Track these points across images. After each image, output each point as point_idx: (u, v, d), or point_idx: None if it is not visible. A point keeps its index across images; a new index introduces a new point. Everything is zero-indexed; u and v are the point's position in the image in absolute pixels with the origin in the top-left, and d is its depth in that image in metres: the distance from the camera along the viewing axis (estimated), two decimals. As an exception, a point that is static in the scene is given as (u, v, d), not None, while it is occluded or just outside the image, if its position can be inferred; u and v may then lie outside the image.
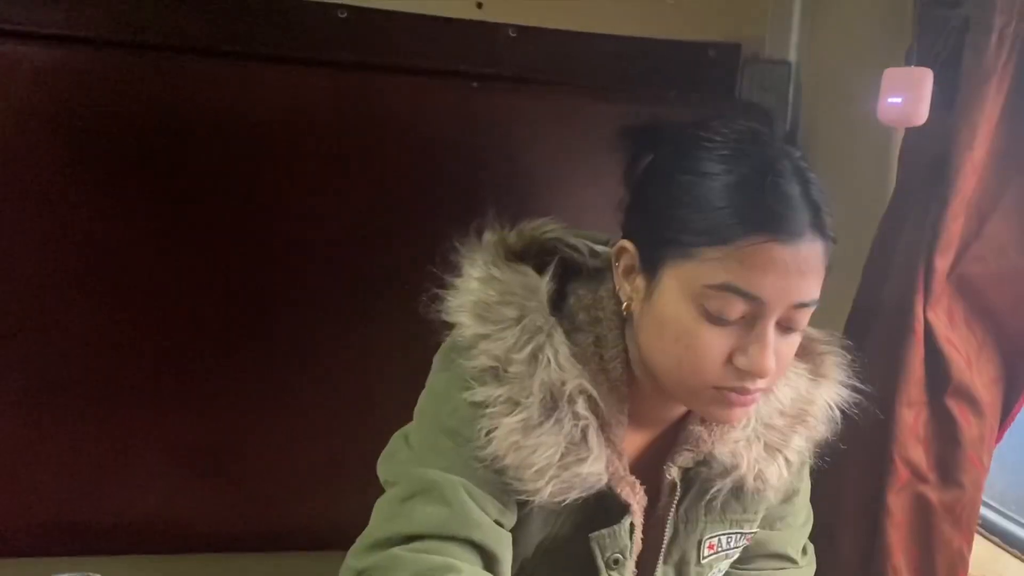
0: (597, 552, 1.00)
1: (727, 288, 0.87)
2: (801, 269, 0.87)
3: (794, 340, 0.93)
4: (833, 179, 1.50)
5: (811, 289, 0.89)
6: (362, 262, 1.63)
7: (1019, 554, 1.42)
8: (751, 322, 0.89)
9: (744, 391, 0.91)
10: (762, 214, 0.86)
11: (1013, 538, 1.45)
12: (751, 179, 0.87)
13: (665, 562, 1.07)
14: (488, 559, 0.93)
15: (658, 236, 0.92)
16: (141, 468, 1.64)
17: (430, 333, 1.03)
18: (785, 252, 0.86)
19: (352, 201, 1.63)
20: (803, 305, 0.89)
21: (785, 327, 0.91)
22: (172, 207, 1.58)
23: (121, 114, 1.52)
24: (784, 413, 1.05)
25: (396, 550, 0.90)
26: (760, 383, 0.91)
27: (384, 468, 1.01)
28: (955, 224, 1.26)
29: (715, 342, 0.89)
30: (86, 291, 1.57)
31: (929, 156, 1.28)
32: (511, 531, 0.99)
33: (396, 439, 1.03)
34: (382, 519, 0.95)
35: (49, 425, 1.61)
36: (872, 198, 1.46)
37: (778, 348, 0.90)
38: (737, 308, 0.88)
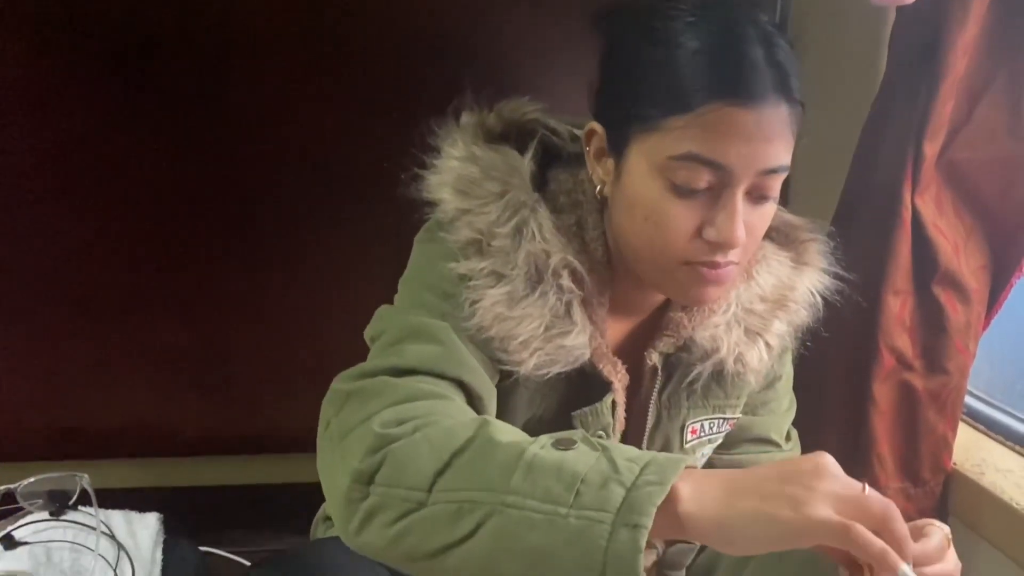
0: (579, 429, 1.00)
1: (691, 157, 0.85)
2: (766, 134, 0.85)
3: (767, 210, 0.92)
4: (823, 64, 1.48)
5: (778, 155, 0.87)
6: (342, 161, 1.61)
7: (1003, 440, 1.43)
8: (718, 193, 0.87)
9: (715, 264, 0.90)
10: (722, 78, 0.84)
11: (998, 425, 1.45)
12: (713, 44, 0.85)
13: (649, 447, 1.08)
14: (476, 402, 0.92)
15: (623, 113, 0.91)
16: (127, 374, 1.65)
17: (414, 231, 1.02)
18: (748, 116, 0.84)
19: (330, 100, 1.59)
20: (771, 171, 0.87)
21: (756, 196, 0.89)
22: (149, 114, 1.55)
23: (94, 16, 1.48)
24: (765, 299, 1.04)
25: (387, 377, 0.87)
26: (732, 255, 0.90)
27: (371, 328, 0.99)
28: (945, 108, 1.24)
29: (683, 216, 0.88)
30: (69, 201, 1.56)
31: (920, 37, 1.25)
32: (498, 409, 0.98)
33: (382, 307, 1.02)
34: (372, 358, 0.93)
35: (34, 333, 1.61)
36: (862, 83, 1.44)
37: (750, 219, 0.89)
38: (703, 178, 0.86)
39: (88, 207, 1.57)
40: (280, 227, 1.63)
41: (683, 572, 1.19)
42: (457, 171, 0.96)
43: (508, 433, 0.78)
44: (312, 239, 1.63)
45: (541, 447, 0.74)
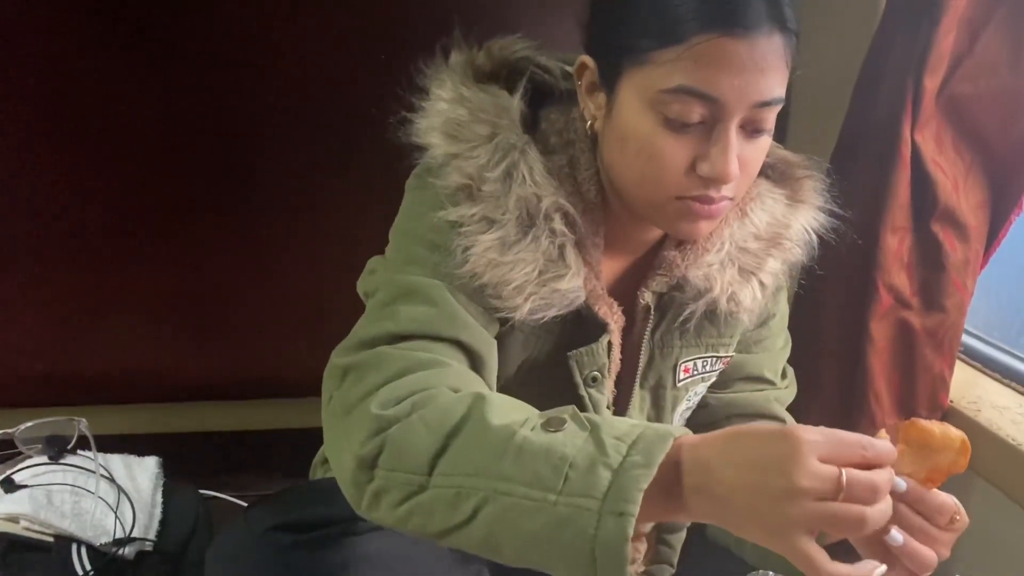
0: (576, 370, 1.00)
1: (683, 90, 0.83)
2: (759, 65, 0.83)
3: (762, 144, 0.90)
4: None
5: (772, 87, 0.85)
6: (334, 105, 1.59)
7: (1000, 378, 1.43)
8: (711, 126, 0.86)
9: (708, 199, 0.89)
10: (714, 8, 0.82)
11: (995, 363, 1.45)
12: None
13: (642, 386, 1.08)
14: (475, 360, 0.92)
15: (614, 46, 0.89)
16: (124, 321, 1.65)
17: (408, 174, 1.01)
18: (740, 47, 0.82)
19: (321, 40, 1.58)
20: (765, 104, 0.85)
21: (750, 130, 0.88)
22: (143, 60, 1.54)
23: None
24: (759, 237, 1.03)
25: (383, 347, 0.88)
26: (725, 190, 0.89)
27: (364, 282, 1.00)
28: (946, 40, 1.21)
29: (676, 151, 0.87)
30: (66, 148, 1.55)
31: (922, -33, 1.22)
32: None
33: (373, 259, 1.01)
34: (367, 322, 0.93)
35: (31, 280, 1.61)
36: (863, 15, 1.41)
37: (743, 153, 0.88)
38: (695, 111, 0.85)
39: (84, 154, 1.57)
40: (275, 173, 1.62)
41: (683, 533, 1.19)
42: (446, 114, 0.95)
43: (501, 411, 0.78)
44: (308, 184, 1.63)
45: (531, 429, 0.74)
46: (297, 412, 1.60)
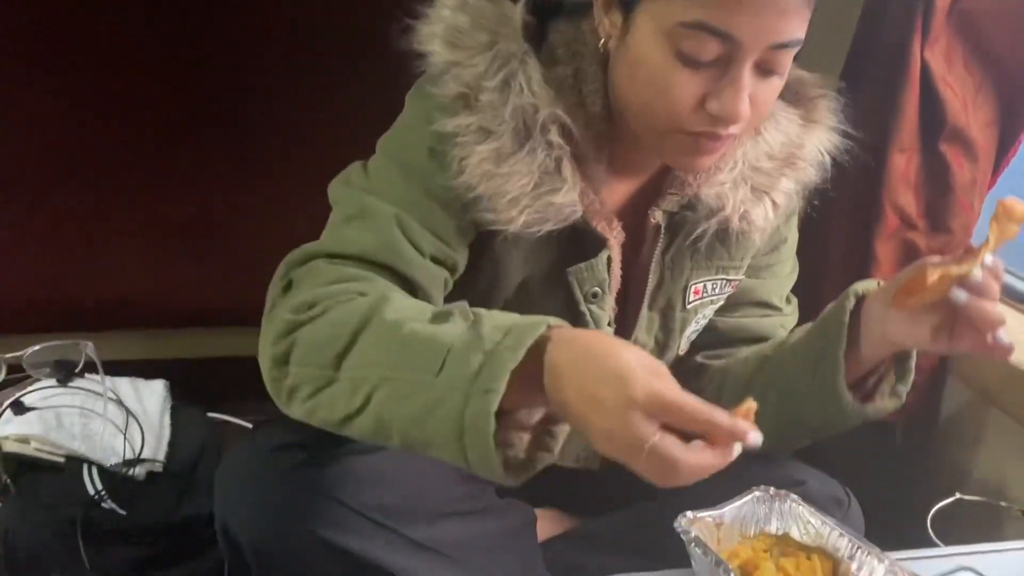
0: (575, 285, 1.00)
1: (700, 26, 0.82)
2: (780, 6, 0.81)
3: (775, 85, 0.88)
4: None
5: (791, 28, 0.83)
6: (333, 21, 1.56)
7: (1003, 298, 1.43)
8: (726, 64, 0.84)
9: (715, 136, 0.88)
10: None
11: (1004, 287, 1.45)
12: None
13: (651, 308, 1.07)
14: (413, 289, 0.93)
15: None
16: (130, 245, 1.65)
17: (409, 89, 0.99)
18: None
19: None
20: (783, 46, 0.84)
21: (764, 70, 0.86)
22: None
23: None
24: (773, 156, 1.02)
25: (319, 261, 0.91)
26: (732, 128, 0.88)
27: (335, 189, 1.00)
28: (958, -46, 1.19)
29: (688, 86, 0.85)
30: (67, 77, 1.53)
31: None
32: (492, 272, 0.99)
33: (354, 165, 1.01)
34: (323, 236, 0.96)
35: (35, 208, 1.60)
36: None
37: (756, 93, 0.86)
38: (711, 48, 0.83)
39: (84, 80, 1.55)
40: (276, 93, 1.60)
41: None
42: (447, 21, 0.93)
43: (399, 308, 0.82)
44: (309, 104, 1.61)
45: (420, 323, 0.79)
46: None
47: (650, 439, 0.68)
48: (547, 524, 1.20)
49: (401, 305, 0.83)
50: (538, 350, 0.73)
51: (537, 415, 0.79)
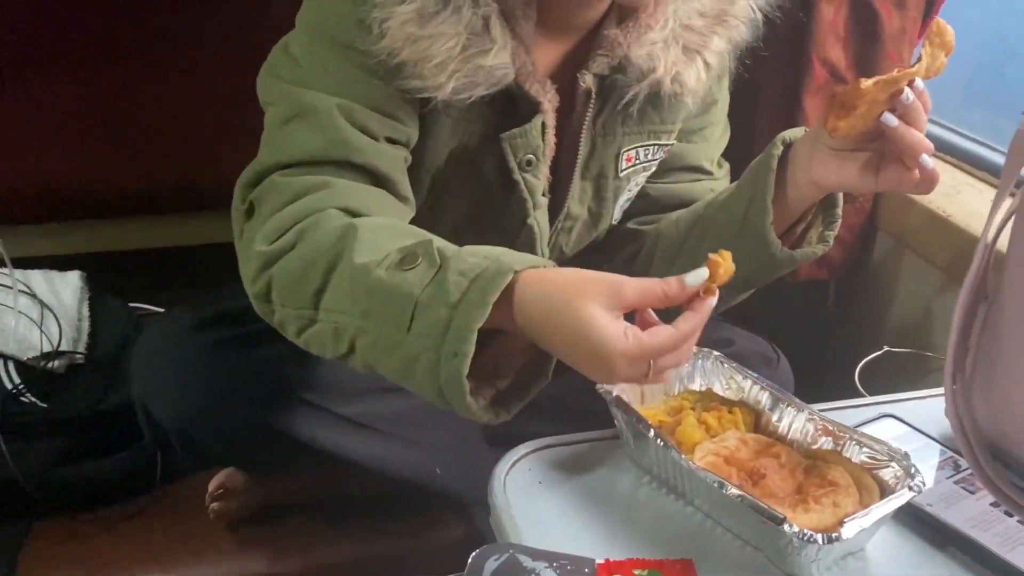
0: (509, 152, 0.96)
1: None
2: None
3: None
4: None
5: None
6: None
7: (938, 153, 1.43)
8: None
9: None
10: None
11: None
12: None
13: (583, 177, 1.05)
14: (377, 179, 0.90)
15: None
16: (34, 132, 1.55)
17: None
18: None
19: None
20: None
21: None
22: None
23: None
24: (704, 14, 0.98)
25: (274, 176, 0.88)
26: None
27: (264, 86, 0.95)
28: None
29: None
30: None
31: None
32: (421, 141, 0.95)
33: (277, 51, 0.95)
34: (264, 147, 0.92)
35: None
36: None
37: None
38: None
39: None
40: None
41: None
42: None
43: (367, 246, 0.80)
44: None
45: (387, 268, 0.77)
46: (201, 226, 1.56)
47: (649, 368, 0.73)
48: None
49: (368, 237, 0.81)
50: (507, 295, 0.73)
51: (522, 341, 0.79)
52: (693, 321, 0.74)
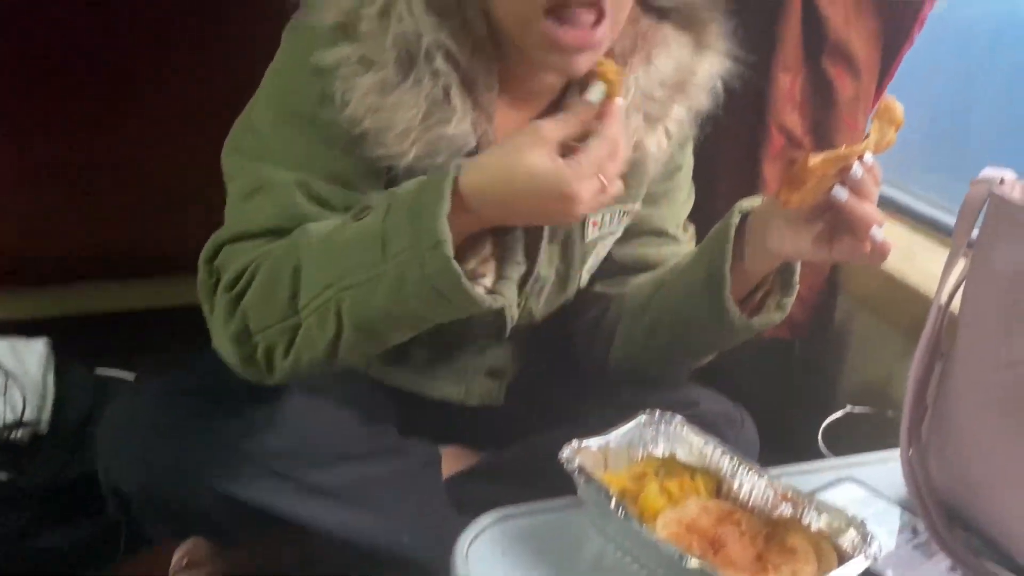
0: None
1: None
2: None
3: None
4: None
5: None
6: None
7: (890, 213, 1.46)
8: None
9: (572, 19, 0.85)
10: None
11: (882, 199, 1.47)
12: None
13: (551, 241, 1.06)
14: None
15: None
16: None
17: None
18: None
19: None
20: None
21: None
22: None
23: None
24: (665, 84, 1.01)
25: (232, 246, 0.91)
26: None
27: (227, 162, 0.96)
28: None
29: None
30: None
31: None
32: None
33: (239, 125, 0.97)
34: (228, 219, 0.95)
35: None
36: None
37: None
38: None
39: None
40: (145, 38, 1.51)
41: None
42: None
43: (320, 229, 0.86)
44: (182, 39, 1.52)
45: (344, 228, 0.84)
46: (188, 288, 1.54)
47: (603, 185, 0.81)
48: (452, 461, 1.20)
49: (319, 226, 0.87)
50: (455, 191, 0.80)
51: (487, 246, 0.87)
52: (611, 123, 0.82)
